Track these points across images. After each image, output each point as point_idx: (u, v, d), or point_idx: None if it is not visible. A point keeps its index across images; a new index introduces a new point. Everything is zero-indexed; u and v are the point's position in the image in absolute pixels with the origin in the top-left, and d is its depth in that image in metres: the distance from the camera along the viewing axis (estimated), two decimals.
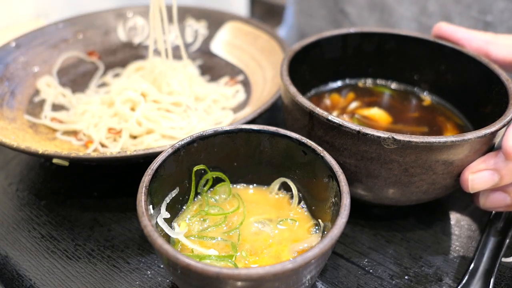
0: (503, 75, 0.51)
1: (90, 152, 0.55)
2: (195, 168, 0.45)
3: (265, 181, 0.49)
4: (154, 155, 0.49)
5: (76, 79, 0.76)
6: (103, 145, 0.62)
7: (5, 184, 0.60)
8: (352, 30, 0.61)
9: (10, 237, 0.52)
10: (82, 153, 0.50)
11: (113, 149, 0.61)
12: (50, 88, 0.71)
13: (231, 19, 0.84)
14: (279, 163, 0.47)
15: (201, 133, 0.44)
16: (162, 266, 0.48)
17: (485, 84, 0.53)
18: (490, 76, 0.52)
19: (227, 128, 0.45)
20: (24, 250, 0.50)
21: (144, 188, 0.38)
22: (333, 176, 0.40)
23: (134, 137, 0.63)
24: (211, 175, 0.47)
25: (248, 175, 0.49)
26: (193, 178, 0.45)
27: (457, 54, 0.57)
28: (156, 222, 0.40)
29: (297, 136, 0.44)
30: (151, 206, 0.39)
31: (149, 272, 0.48)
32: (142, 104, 0.63)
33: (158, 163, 0.40)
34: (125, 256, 0.50)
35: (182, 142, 0.43)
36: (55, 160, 0.51)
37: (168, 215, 0.41)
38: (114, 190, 0.58)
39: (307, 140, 0.44)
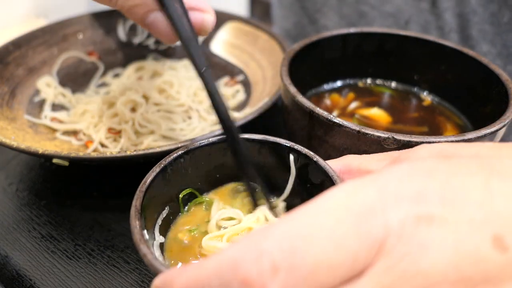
0: (503, 75, 0.51)
1: (90, 152, 0.55)
2: (182, 194, 0.43)
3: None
4: (154, 155, 0.49)
5: (76, 79, 0.76)
6: (103, 145, 0.62)
7: (5, 184, 0.60)
8: (352, 30, 0.61)
9: (10, 237, 0.52)
10: (82, 153, 0.50)
11: (113, 149, 0.61)
12: (50, 88, 0.71)
13: (230, 19, 0.84)
14: (270, 169, 0.45)
15: (187, 147, 0.42)
16: None
17: (485, 84, 0.53)
18: (490, 76, 0.52)
19: (214, 140, 0.43)
20: (24, 250, 0.50)
21: (137, 214, 0.35)
22: (328, 180, 0.39)
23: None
24: (199, 200, 0.45)
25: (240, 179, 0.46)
26: (180, 202, 0.43)
27: (457, 54, 0.57)
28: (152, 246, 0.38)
29: (287, 143, 0.42)
30: (145, 231, 0.36)
31: (149, 272, 0.48)
32: (143, 106, 0.63)
33: (147, 184, 0.38)
34: (125, 256, 0.50)
35: (169, 159, 0.41)
36: (55, 160, 0.51)
37: (163, 239, 0.40)
38: (114, 190, 0.58)
39: (298, 146, 0.42)
